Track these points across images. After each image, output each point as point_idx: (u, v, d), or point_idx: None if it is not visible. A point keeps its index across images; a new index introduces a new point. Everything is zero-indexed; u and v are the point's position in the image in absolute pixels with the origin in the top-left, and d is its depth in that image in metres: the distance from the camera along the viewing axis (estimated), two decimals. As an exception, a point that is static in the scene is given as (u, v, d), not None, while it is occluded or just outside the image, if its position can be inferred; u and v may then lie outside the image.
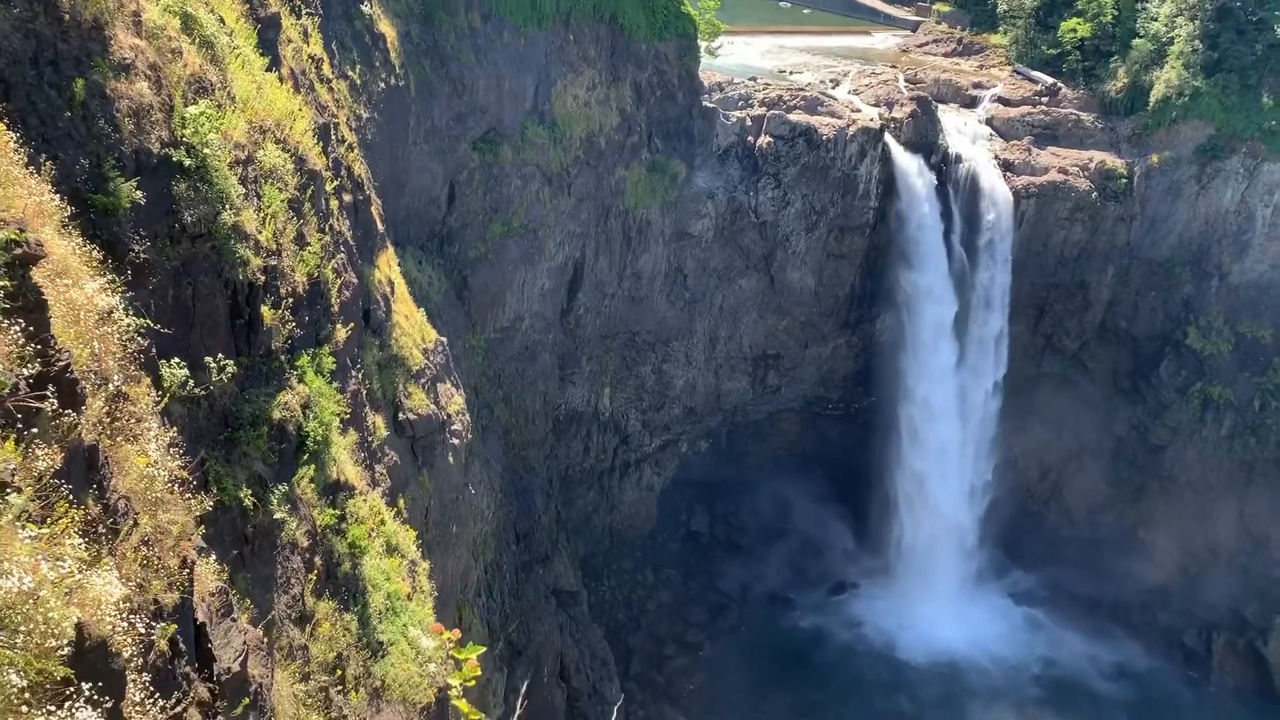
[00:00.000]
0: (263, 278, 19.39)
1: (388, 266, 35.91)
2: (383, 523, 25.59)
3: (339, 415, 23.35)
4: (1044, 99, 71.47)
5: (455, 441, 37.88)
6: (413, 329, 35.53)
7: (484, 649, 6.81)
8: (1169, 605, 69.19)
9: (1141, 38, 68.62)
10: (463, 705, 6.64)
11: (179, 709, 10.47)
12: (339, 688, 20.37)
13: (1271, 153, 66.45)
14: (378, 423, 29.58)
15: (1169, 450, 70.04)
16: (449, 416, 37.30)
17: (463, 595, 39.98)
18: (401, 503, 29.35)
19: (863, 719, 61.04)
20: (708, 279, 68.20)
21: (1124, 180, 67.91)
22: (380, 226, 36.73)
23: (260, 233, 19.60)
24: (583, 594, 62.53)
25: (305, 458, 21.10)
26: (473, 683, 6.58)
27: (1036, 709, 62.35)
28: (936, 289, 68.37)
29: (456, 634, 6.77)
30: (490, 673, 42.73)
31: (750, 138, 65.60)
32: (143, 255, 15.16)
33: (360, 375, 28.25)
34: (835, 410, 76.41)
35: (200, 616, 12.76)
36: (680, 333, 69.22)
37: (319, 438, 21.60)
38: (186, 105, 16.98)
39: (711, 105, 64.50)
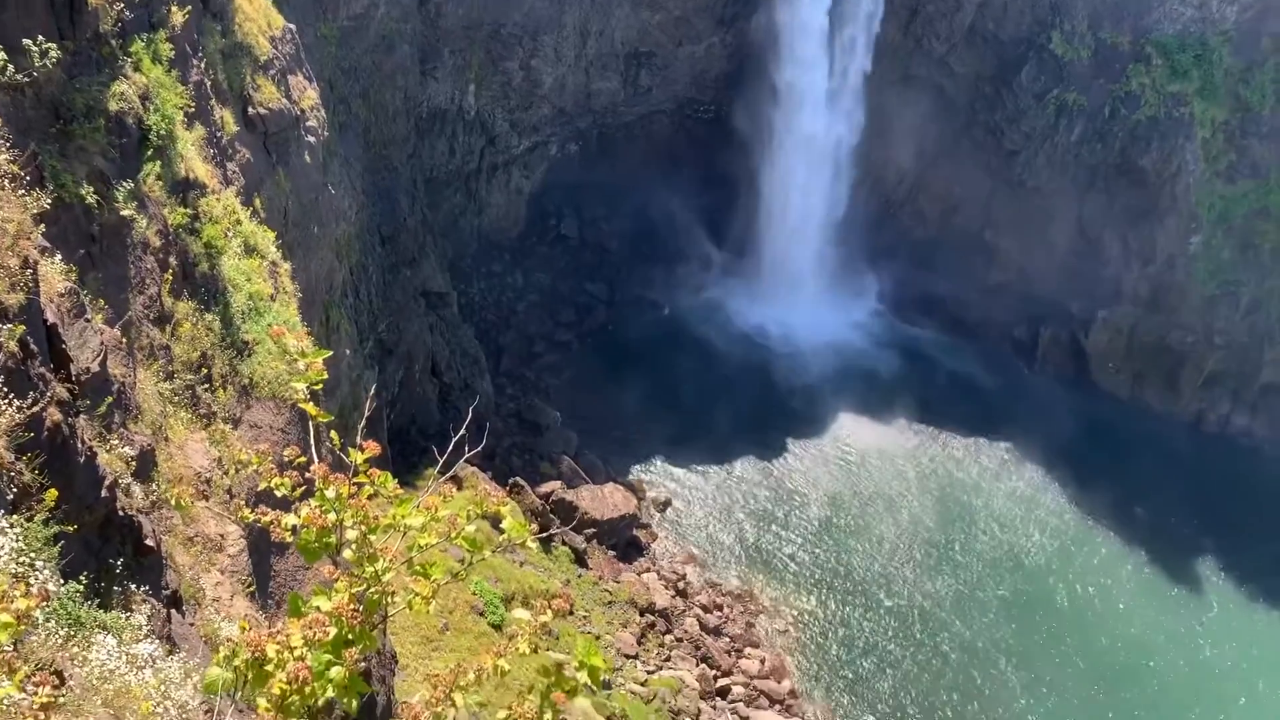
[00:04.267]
0: (79, -50, 17.44)
1: (224, -58, 32.59)
2: (239, 223, 24.82)
3: (182, 108, 22.00)
4: None
5: (311, 139, 36.24)
6: (257, 14, 32.87)
7: (329, 353, 6.88)
8: (1005, 302, 74.11)
9: None
10: (310, 408, 6.81)
11: (36, 409, 10.41)
12: (205, 385, 20.47)
13: None
14: (226, 117, 27.94)
15: (1021, 155, 72.43)
16: (303, 112, 35.44)
17: (329, 296, 39.77)
18: (258, 202, 28.34)
19: (722, 399, 64.95)
20: (577, -34, 64.45)
21: None
22: (212, -106, 32.97)
23: (70, -104, 17.41)
24: (452, 295, 62.91)
25: (149, 153, 19.99)
26: (319, 386, 6.69)
27: (881, 395, 67.55)
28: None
29: (299, 336, 6.83)
30: (361, 370, 43.43)
31: None
32: (-68, -82, 13.35)
33: (203, 65, 26.32)
34: (706, 113, 75.62)
35: (50, 317, 12.44)
36: (549, 25, 65.99)
37: (162, 131, 20.42)
38: None
39: None
